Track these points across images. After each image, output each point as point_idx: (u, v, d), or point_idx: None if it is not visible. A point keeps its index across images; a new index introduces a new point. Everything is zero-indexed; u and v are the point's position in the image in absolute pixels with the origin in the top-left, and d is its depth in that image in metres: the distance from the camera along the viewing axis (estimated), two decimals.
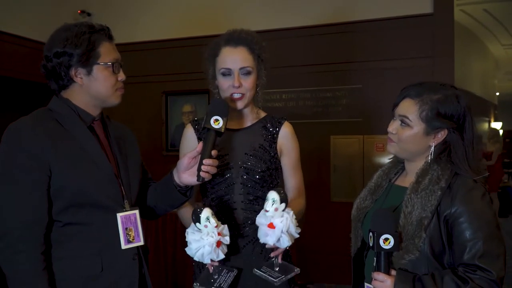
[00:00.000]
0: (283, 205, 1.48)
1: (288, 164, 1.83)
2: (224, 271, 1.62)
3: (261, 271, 1.60)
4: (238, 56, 1.71)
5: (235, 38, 1.73)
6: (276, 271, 1.59)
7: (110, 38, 1.58)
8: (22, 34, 4.62)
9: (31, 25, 4.66)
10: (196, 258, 1.51)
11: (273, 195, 1.48)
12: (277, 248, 1.56)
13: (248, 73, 1.72)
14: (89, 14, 5.03)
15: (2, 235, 1.41)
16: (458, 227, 1.38)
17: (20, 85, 4.84)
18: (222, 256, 1.52)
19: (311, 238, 4.11)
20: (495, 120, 11.14)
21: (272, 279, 1.56)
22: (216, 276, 1.59)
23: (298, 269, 1.61)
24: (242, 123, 1.82)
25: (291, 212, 1.50)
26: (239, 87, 1.71)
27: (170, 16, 5.04)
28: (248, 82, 1.72)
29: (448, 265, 1.41)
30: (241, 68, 1.71)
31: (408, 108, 1.49)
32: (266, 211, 1.48)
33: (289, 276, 1.60)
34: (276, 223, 1.47)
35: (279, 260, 1.61)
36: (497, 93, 11.50)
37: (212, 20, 4.69)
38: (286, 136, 1.82)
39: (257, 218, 1.52)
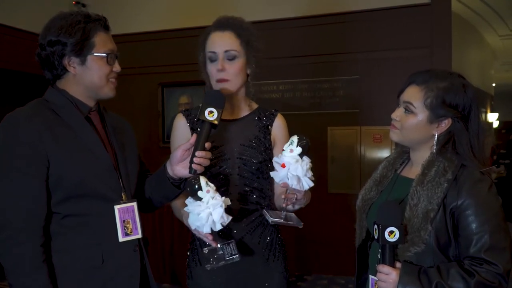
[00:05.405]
0: (299, 149, 1.49)
1: None
2: (224, 244, 1.59)
3: (267, 212, 1.65)
4: (223, 40, 1.72)
5: (223, 23, 1.74)
6: (281, 216, 1.62)
7: (106, 28, 1.55)
8: (18, 26, 4.58)
9: (27, 17, 4.61)
10: (205, 230, 1.45)
11: (293, 138, 1.52)
12: (286, 191, 1.57)
13: (233, 58, 1.72)
14: (83, 5, 4.98)
15: (1, 227, 1.39)
16: (465, 219, 1.37)
17: (17, 76, 4.81)
18: (229, 218, 1.48)
19: (309, 229, 4.11)
20: (492, 111, 11.13)
21: (269, 217, 1.60)
22: (221, 252, 1.57)
23: (301, 223, 1.60)
24: (236, 113, 1.81)
25: (307, 160, 1.52)
26: (222, 70, 1.70)
27: (166, 7, 5.00)
28: (233, 67, 1.72)
29: (454, 258, 1.40)
30: (226, 51, 1.71)
31: (413, 94, 1.47)
32: (283, 150, 1.52)
33: (288, 223, 1.60)
34: (287, 162, 1.49)
35: (284, 205, 1.60)
36: (494, 84, 11.47)
37: (208, 10, 4.64)
38: (279, 128, 1.83)
39: (274, 158, 1.56)
